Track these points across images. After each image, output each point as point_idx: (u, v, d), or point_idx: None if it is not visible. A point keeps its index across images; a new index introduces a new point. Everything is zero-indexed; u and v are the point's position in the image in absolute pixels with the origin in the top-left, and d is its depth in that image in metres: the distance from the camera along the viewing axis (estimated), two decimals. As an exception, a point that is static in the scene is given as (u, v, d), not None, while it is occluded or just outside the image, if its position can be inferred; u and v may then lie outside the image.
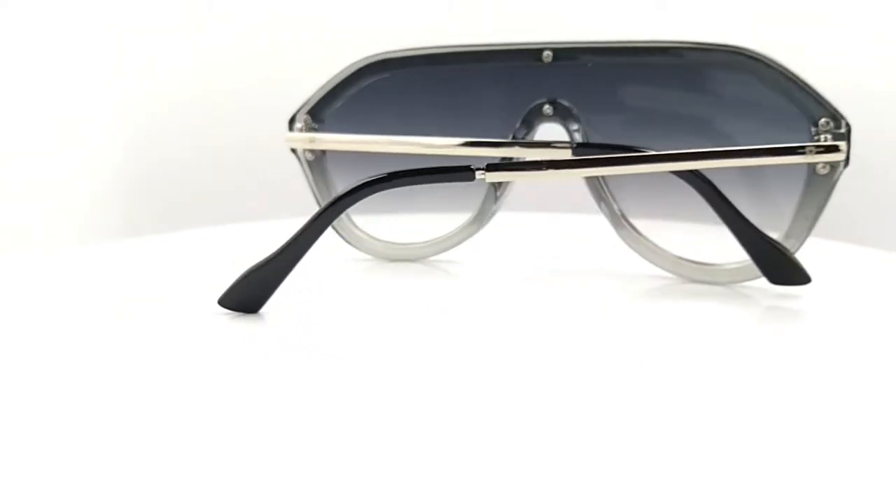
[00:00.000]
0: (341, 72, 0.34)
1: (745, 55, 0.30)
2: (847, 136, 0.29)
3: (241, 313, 0.26)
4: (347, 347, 0.24)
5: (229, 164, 0.58)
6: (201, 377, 0.22)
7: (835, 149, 0.29)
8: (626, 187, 0.32)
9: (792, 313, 0.28)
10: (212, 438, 0.18)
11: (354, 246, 0.35)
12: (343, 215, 0.33)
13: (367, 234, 0.35)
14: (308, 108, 0.34)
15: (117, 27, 0.57)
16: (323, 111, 0.34)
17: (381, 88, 0.34)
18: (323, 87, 0.34)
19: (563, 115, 0.32)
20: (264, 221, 0.43)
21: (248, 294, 0.26)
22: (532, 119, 0.32)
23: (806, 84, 0.29)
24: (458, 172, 0.27)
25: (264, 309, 0.27)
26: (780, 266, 0.28)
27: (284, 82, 0.55)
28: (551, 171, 0.29)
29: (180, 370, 0.22)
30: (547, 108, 0.32)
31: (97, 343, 0.25)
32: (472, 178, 0.27)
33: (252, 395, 0.21)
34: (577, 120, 0.32)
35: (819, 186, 0.29)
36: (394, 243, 0.35)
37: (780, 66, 0.30)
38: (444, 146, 0.32)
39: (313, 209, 0.29)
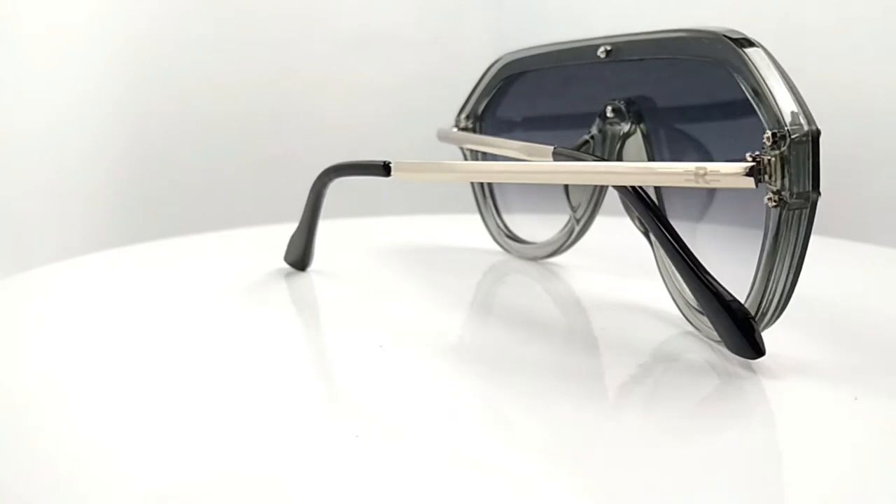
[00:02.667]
0: (488, 71, 0.35)
1: (724, 43, 0.22)
2: (782, 162, 0.19)
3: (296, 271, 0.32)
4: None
5: (229, 165, 0.57)
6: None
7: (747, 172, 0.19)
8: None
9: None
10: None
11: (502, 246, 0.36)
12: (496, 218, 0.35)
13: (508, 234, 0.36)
14: (466, 107, 0.36)
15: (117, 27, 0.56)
16: (480, 110, 0.35)
17: (528, 85, 0.34)
18: (474, 86, 0.35)
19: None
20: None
21: (293, 254, 0.32)
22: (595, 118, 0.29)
23: (765, 87, 0.21)
24: (374, 168, 0.28)
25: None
26: (728, 327, 0.21)
27: (285, 82, 0.57)
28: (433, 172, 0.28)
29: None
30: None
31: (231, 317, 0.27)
32: (388, 175, 0.28)
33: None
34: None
35: (777, 223, 0.20)
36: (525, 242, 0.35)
37: (751, 59, 0.21)
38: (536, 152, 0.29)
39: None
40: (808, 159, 0.19)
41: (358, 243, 0.39)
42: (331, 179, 0.30)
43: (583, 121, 0.29)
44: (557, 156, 0.26)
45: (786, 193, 0.19)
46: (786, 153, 0.19)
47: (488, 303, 0.32)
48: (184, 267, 0.35)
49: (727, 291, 0.21)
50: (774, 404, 0.20)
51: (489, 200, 0.36)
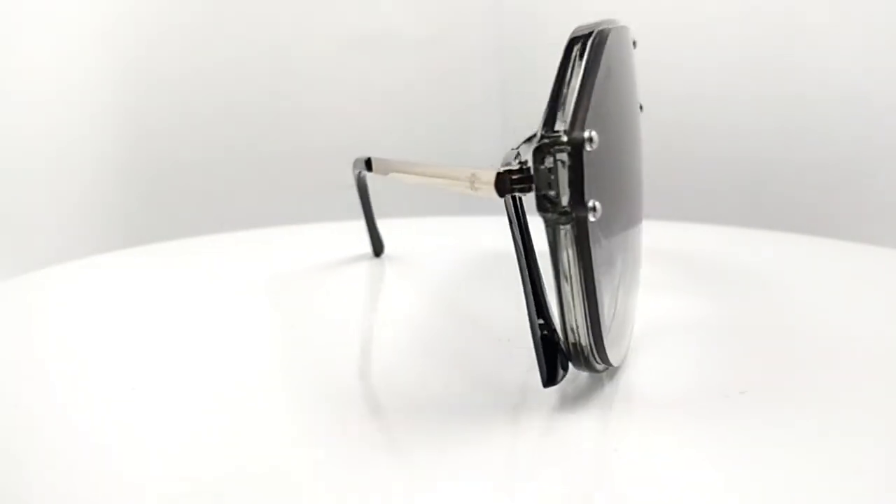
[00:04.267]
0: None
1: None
2: (546, 173, 0.17)
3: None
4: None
5: (229, 165, 0.57)
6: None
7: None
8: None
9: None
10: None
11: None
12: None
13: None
14: None
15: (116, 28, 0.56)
16: None
17: None
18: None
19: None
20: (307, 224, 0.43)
21: (374, 239, 0.35)
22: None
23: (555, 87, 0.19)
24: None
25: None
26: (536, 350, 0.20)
27: (285, 83, 0.56)
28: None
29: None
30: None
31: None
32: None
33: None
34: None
35: (551, 240, 0.18)
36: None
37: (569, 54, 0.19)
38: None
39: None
40: (570, 171, 0.17)
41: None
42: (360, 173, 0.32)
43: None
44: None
45: (550, 206, 0.18)
46: (547, 163, 0.17)
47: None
48: (199, 266, 0.36)
49: (546, 317, 0.19)
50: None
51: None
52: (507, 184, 0.18)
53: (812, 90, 0.49)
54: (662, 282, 0.32)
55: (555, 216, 0.18)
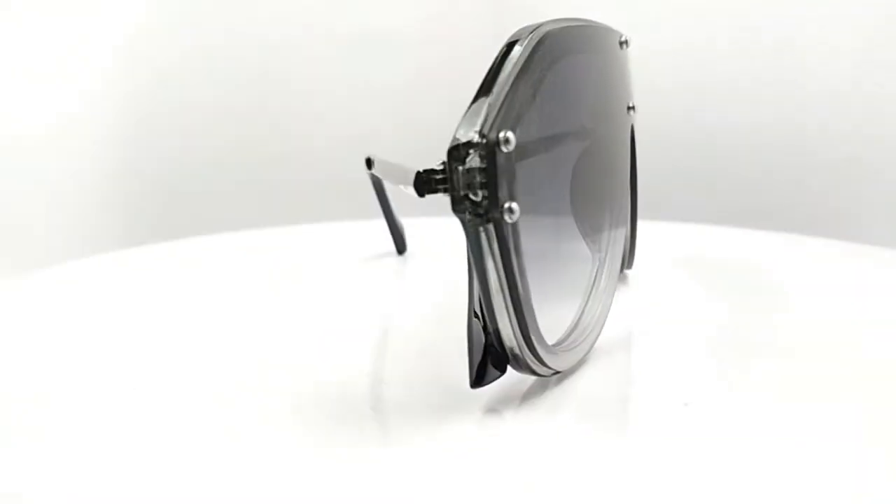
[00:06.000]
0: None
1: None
2: (461, 173, 0.17)
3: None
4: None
5: (229, 165, 0.56)
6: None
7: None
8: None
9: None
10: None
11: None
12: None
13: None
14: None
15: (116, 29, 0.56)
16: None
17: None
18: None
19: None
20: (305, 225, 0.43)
21: (395, 237, 0.35)
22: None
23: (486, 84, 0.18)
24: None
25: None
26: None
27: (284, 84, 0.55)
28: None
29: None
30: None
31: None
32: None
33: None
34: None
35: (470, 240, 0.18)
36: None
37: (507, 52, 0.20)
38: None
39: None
40: (483, 172, 0.17)
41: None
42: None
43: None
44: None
45: (469, 207, 0.17)
46: (469, 163, 0.17)
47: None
48: (199, 266, 0.36)
49: (490, 315, 0.19)
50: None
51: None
52: (431, 184, 0.18)
53: (812, 90, 0.48)
54: (661, 282, 0.31)
55: (470, 217, 0.17)
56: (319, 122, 0.57)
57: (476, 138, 0.17)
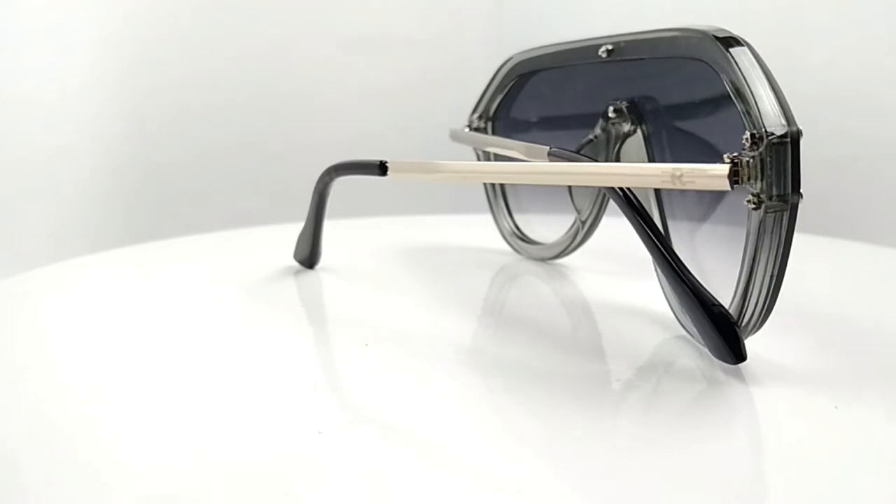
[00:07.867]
0: (499, 70, 0.35)
1: (710, 42, 0.22)
2: (760, 164, 0.19)
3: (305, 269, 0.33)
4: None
5: (229, 165, 0.56)
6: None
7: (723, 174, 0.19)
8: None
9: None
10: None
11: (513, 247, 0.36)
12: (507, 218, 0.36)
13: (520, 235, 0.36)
14: (478, 107, 0.36)
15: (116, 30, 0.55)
16: (493, 110, 0.35)
17: (539, 85, 0.34)
18: (486, 86, 0.35)
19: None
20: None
21: (301, 252, 0.33)
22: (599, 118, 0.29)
23: (746, 87, 0.20)
24: (371, 167, 0.29)
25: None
26: (709, 332, 0.21)
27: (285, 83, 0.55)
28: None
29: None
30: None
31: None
32: (385, 174, 0.29)
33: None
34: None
35: (756, 226, 0.20)
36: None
37: (735, 58, 0.21)
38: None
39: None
40: (788, 161, 0.19)
41: (367, 243, 0.40)
42: (332, 179, 0.31)
43: (589, 120, 0.29)
44: (552, 156, 0.26)
45: (763, 196, 0.19)
46: (763, 154, 0.19)
47: (494, 303, 0.32)
48: (189, 266, 0.36)
49: (710, 295, 0.21)
50: (757, 410, 0.20)
51: (500, 200, 0.36)
52: (734, 175, 0.19)
53: (812, 90, 0.49)
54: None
55: (778, 203, 0.19)
56: (319, 122, 0.57)
57: (785, 129, 0.19)
